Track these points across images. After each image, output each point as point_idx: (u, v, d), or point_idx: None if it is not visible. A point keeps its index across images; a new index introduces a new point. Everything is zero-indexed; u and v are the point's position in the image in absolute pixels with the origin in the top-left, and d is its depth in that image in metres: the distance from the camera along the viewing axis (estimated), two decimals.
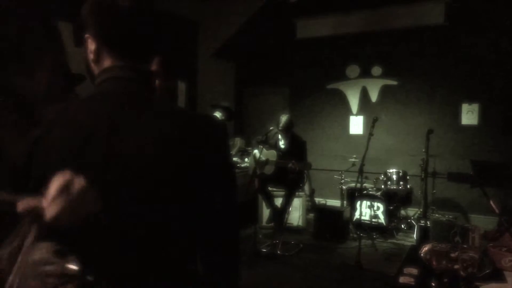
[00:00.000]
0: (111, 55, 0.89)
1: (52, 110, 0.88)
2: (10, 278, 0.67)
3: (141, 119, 0.83)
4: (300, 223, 5.31)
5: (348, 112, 6.63)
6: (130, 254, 0.81)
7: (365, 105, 6.50)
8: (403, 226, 5.28)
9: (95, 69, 0.92)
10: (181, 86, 5.99)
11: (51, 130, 0.83)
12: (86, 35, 0.90)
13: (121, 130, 0.81)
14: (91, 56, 0.90)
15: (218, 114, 5.03)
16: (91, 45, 0.89)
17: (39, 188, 0.72)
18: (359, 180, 4.49)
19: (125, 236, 0.80)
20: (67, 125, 0.84)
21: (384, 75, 6.33)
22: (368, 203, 5.09)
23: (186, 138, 0.83)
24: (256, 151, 4.85)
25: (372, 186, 5.51)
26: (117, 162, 0.79)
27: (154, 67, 1.22)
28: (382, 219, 5.02)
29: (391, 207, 5.13)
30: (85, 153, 0.80)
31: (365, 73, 6.46)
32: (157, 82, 1.65)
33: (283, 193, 5.00)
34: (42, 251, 0.70)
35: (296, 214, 5.29)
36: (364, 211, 5.12)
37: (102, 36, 0.89)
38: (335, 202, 6.14)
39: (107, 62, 0.89)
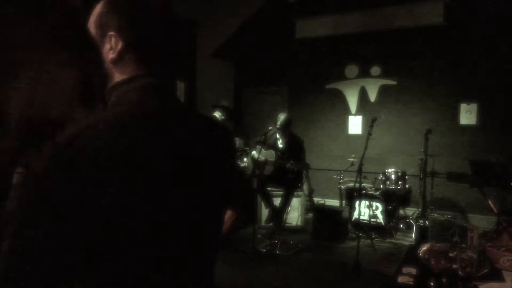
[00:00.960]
0: (138, 59, 0.86)
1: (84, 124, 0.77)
2: None
3: (185, 125, 0.88)
4: (299, 223, 5.31)
5: (347, 112, 6.63)
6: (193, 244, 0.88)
7: (364, 105, 6.50)
8: (401, 226, 5.28)
9: (112, 69, 0.88)
10: (180, 86, 5.98)
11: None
12: (110, 33, 0.85)
13: (174, 137, 0.84)
14: (111, 55, 0.86)
15: (217, 114, 5.03)
16: (116, 44, 0.85)
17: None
18: (358, 180, 4.49)
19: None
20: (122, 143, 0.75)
21: (383, 75, 6.33)
22: (367, 202, 5.09)
23: (218, 142, 0.94)
24: (254, 152, 4.86)
25: (371, 186, 5.51)
26: (177, 170, 0.83)
27: None
28: (380, 218, 5.02)
29: (390, 207, 5.13)
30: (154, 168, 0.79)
31: (364, 73, 6.46)
32: None
33: (281, 193, 5.00)
34: None
35: (295, 214, 5.29)
36: (363, 210, 5.12)
37: (131, 37, 0.86)
38: (333, 202, 6.15)
39: (133, 66, 0.86)
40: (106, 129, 0.74)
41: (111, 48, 0.86)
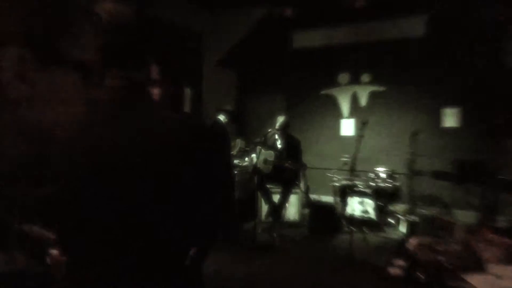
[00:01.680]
0: (107, 68, 0.91)
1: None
2: None
3: (129, 121, 0.86)
4: (297, 218, 5.28)
5: (339, 115, 6.61)
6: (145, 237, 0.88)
7: (355, 109, 6.47)
8: (391, 221, 5.23)
9: None
10: (187, 92, 5.96)
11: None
12: None
13: (116, 132, 0.85)
14: None
15: (221, 117, 4.97)
16: None
17: None
18: (351, 178, 4.45)
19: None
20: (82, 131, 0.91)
21: (372, 82, 6.31)
22: (359, 199, 5.04)
23: (175, 138, 0.89)
24: (254, 155, 4.83)
25: (363, 183, 5.46)
26: (117, 156, 0.85)
27: (154, 75, 1.22)
28: (372, 214, 4.97)
29: (380, 203, 5.09)
30: (95, 154, 0.86)
31: (355, 80, 6.44)
32: (157, 89, 1.63)
33: (279, 189, 4.97)
34: None
35: (292, 210, 5.25)
36: (355, 206, 5.08)
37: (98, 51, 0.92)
38: (328, 199, 6.10)
39: (107, 74, 0.92)
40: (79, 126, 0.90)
41: None
